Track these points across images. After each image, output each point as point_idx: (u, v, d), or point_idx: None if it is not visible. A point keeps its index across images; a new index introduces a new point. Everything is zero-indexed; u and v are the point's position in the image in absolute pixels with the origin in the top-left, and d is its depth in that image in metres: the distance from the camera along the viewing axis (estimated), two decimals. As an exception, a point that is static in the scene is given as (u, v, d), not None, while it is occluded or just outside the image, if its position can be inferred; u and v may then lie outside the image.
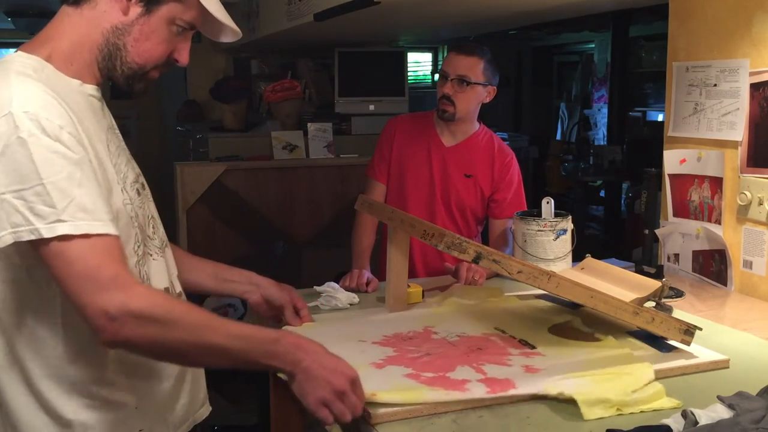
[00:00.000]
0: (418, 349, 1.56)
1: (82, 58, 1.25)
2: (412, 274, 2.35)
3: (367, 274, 2.16)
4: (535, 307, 1.91)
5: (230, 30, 1.37)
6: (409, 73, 4.92)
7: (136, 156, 1.42)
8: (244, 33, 1.43)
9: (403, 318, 1.79)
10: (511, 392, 1.33)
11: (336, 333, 1.65)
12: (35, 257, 1.14)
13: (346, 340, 1.60)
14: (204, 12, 1.30)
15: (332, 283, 2.01)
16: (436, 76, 7.39)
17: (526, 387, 1.35)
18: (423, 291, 1.97)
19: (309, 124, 4.20)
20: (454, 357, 1.51)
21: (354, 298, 1.98)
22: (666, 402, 1.31)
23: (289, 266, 4.11)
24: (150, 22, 1.26)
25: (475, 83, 2.38)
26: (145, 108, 6.21)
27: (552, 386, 1.33)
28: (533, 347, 1.58)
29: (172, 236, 4.10)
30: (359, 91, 4.48)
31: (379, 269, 2.31)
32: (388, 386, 1.32)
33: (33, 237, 1.10)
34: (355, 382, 1.23)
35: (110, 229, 1.14)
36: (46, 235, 1.10)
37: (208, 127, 4.63)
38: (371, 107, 4.46)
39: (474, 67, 2.39)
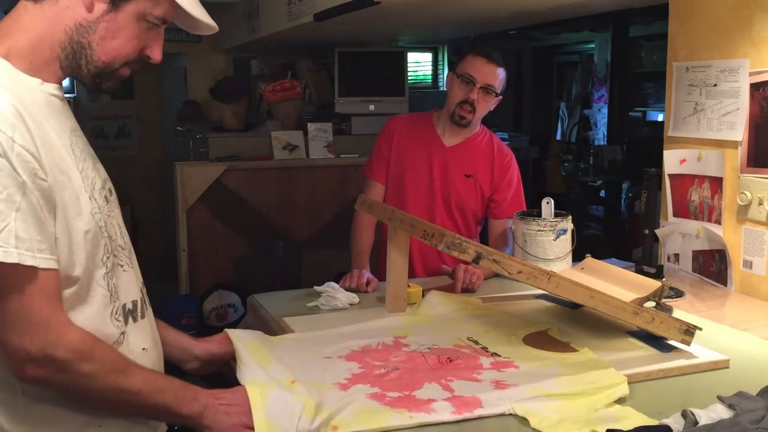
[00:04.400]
0: (385, 365, 1.50)
1: (42, 56, 1.18)
2: (412, 274, 2.34)
3: (366, 274, 2.16)
4: (513, 315, 1.86)
5: (205, 24, 1.29)
6: (409, 73, 4.92)
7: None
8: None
9: (375, 328, 1.73)
10: (477, 412, 1.29)
11: (302, 348, 1.59)
12: None
13: (312, 357, 1.53)
14: (177, 6, 1.23)
15: (332, 283, 2.02)
16: (440, 76, 7.41)
17: (492, 406, 1.30)
18: (423, 291, 1.97)
19: (309, 124, 4.20)
20: (422, 372, 1.46)
21: (354, 298, 1.98)
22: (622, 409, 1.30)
23: (289, 266, 4.11)
24: (117, 19, 1.19)
25: (497, 94, 2.40)
26: (145, 108, 6.21)
27: (519, 406, 1.30)
28: (505, 358, 1.54)
29: (172, 236, 4.11)
30: (359, 91, 4.49)
31: (379, 269, 2.31)
32: (350, 411, 1.27)
33: None
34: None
35: (48, 263, 1.09)
36: None
37: (208, 127, 4.63)
38: (371, 107, 4.46)
39: (498, 77, 2.39)
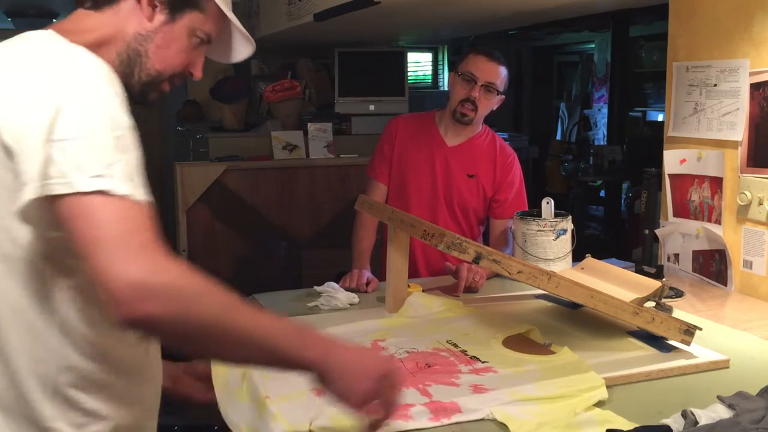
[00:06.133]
0: None
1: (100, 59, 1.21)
2: (415, 274, 2.35)
3: (367, 274, 2.16)
4: (494, 317, 1.83)
5: (242, 44, 1.36)
6: (409, 73, 4.92)
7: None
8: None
9: (353, 331, 1.71)
10: (455, 418, 1.27)
11: None
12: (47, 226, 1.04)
13: None
14: (222, 24, 1.29)
15: (332, 283, 2.02)
16: (440, 76, 7.41)
17: (471, 411, 1.29)
18: (423, 291, 1.97)
19: (309, 124, 4.19)
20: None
21: (354, 298, 1.98)
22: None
23: (289, 266, 4.11)
24: (173, 30, 1.24)
25: (499, 92, 2.39)
26: (145, 108, 6.19)
27: (498, 411, 1.28)
28: (484, 362, 1.52)
29: (172, 236, 4.12)
30: (359, 91, 4.48)
31: (379, 269, 2.31)
32: (325, 416, 1.24)
33: (65, 191, 0.98)
34: (388, 375, 1.10)
35: (149, 198, 1.04)
36: (82, 188, 0.98)
37: (208, 127, 4.63)
38: (371, 107, 4.46)
39: (500, 76, 2.40)
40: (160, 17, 1.23)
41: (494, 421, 1.27)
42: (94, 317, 1.15)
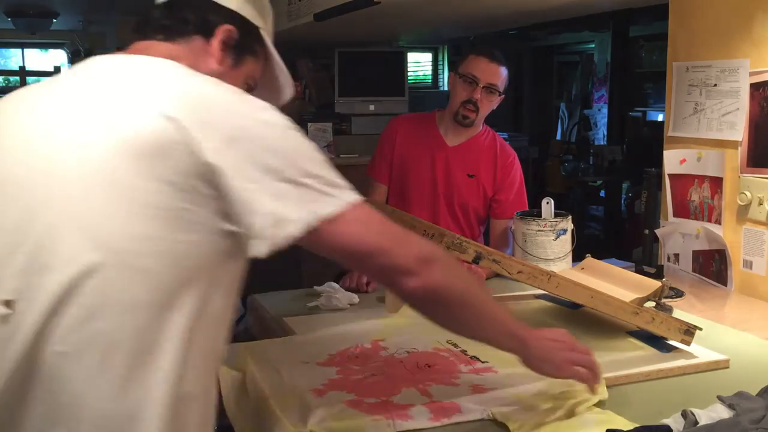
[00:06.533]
0: (362, 369, 1.48)
1: None
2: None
3: (367, 274, 2.16)
4: None
5: (285, 87, 1.34)
6: (409, 73, 4.92)
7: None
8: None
9: (354, 331, 1.71)
10: (455, 418, 1.27)
11: (279, 355, 1.55)
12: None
13: (288, 363, 1.50)
14: (265, 71, 1.29)
15: (332, 283, 2.02)
16: (440, 76, 7.41)
17: (471, 411, 1.29)
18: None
19: (309, 124, 4.19)
20: (400, 377, 1.44)
21: (354, 298, 1.98)
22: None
23: (289, 266, 4.10)
24: (234, 75, 1.21)
25: (500, 93, 2.40)
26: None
27: (498, 411, 1.28)
28: (484, 362, 1.51)
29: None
30: (359, 91, 4.49)
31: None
32: (327, 415, 1.25)
33: (335, 209, 1.03)
34: (574, 345, 1.30)
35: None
36: (349, 199, 1.05)
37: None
38: (371, 107, 4.46)
39: (501, 76, 2.40)
40: (228, 61, 1.20)
41: (494, 421, 1.27)
42: (202, 341, 1.06)
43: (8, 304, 0.99)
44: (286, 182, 1.00)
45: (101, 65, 1.13)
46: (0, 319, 0.99)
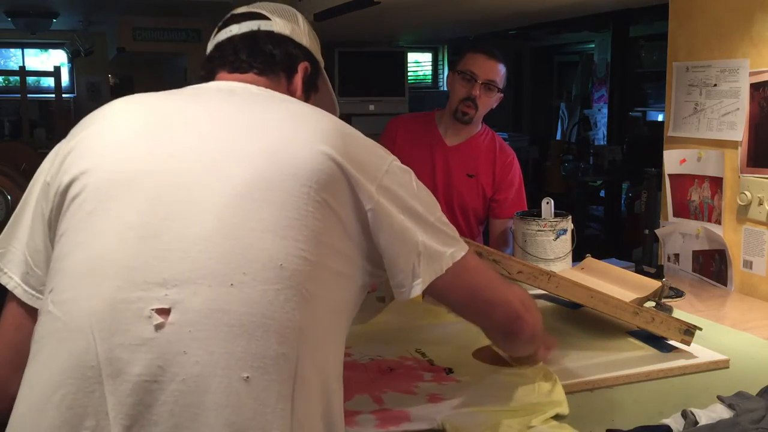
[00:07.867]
0: None
1: None
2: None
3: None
4: (472, 327, 1.76)
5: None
6: (409, 73, 4.92)
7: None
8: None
9: None
10: (403, 427, 1.23)
11: None
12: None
13: None
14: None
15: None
16: (440, 76, 7.41)
17: (421, 420, 1.25)
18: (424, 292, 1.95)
19: (309, 124, 4.19)
20: (357, 383, 1.38)
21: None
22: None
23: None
24: None
25: (499, 90, 2.40)
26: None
27: (448, 421, 1.24)
28: (449, 372, 1.46)
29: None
30: (359, 91, 4.49)
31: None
32: None
33: (463, 253, 1.09)
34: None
35: None
36: (466, 247, 1.11)
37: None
38: (371, 107, 4.47)
39: (499, 73, 2.40)
40: (303, 97, 1.22)
41: (443, 431, 1.23)
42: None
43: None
44: (429, 226, 1.08)
45: (242, 90, 1.12)
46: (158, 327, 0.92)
